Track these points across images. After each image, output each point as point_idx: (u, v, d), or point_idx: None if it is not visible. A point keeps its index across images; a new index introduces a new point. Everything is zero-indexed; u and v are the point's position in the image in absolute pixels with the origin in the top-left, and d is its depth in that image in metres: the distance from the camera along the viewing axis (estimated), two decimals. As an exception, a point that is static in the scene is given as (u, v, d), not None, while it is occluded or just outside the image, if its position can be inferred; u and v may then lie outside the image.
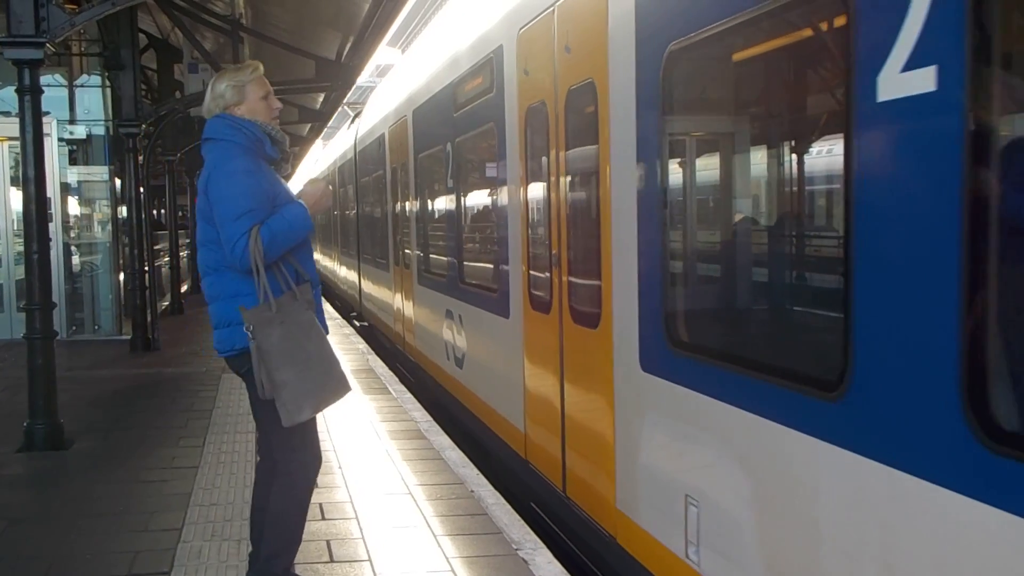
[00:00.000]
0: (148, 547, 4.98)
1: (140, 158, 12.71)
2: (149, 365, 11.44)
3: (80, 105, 14.27)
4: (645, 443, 4.26)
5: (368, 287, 14.89)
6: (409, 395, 9.30)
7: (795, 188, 3.46)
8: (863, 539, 2.74)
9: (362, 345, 12.91)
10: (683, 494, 3.85)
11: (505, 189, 6.50)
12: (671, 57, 3.84)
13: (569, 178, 5.23)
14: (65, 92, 14.14)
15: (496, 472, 6.83)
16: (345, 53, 14.04)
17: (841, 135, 2.82)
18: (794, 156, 3.44)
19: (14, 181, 13.32)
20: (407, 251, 10.76)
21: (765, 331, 3.69)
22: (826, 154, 3.14)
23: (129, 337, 12.92)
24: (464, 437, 7.81)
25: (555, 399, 5.45)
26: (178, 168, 20.19)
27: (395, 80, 12.66)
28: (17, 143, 7.71)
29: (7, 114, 12.90)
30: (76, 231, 14.60)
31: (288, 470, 4.03)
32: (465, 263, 7.93)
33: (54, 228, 11.78)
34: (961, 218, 2.34)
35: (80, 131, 14.14)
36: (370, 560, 4.78)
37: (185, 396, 9.28)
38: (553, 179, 5.46)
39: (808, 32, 3.18)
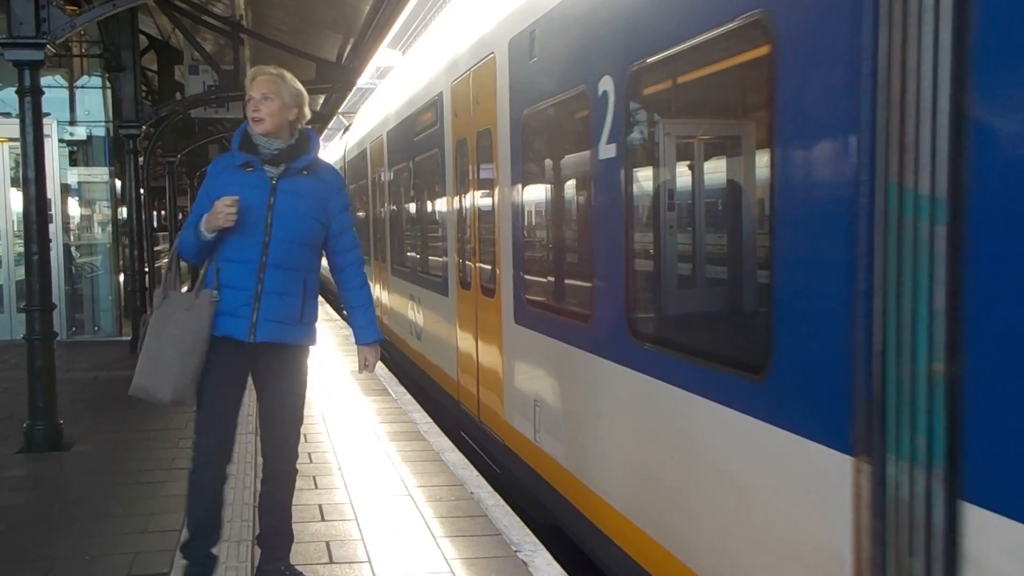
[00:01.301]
0: (148, 548, 4.99)
1: (140, 159, 12.72)
2: (149, 366, 11.41)
3: (80, 106, 14.25)
4: (517, 372, 6.40)
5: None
6: (409, 396, 9.30)
7: (576, 208, 5.54)
8: (590, 403, 5.03)
9: (362, 347, 12.87)
10: (533, 400, 6.02)
11: (445, 200, 8.66)
12: (525, 118, 6.04)
13: (479, 194, 7.35)
14: (65, 93, 14.11)
15: (442, 418, 8.66)
16: (345, 55, 14.06)
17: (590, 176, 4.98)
18: (573, 188, 5.60)
19: (14, 182, 13.32)
20: (384, 248, 13.11)
21: (558, 287, 5.86)
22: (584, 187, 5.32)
23: (129, 338, 12.90)
24: (425, 397, 9.72)
25: (472, 351, 7.63)
26: (178, 169, 20.19)
27: (377, 102, 14.77)
28: (17, 144, 7.72)
29: (7, 115, 12.89)
30: (76, 232, 14.59)
31: None
32: (422, 256, 10.19)
33: (54, 229, 11.78)
34: (624, 223, 4.50)
35: (80, 132, 14.12)
36: (370, 562, 4.78)
37: (185, 397, 9.26)
38: (471, 194, 7.60)
39: (575, 115, 5.27)
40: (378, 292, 13.68)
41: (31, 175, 7.27)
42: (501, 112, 6.45)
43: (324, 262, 4.44)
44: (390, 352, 12.40)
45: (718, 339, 3.97)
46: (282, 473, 4.38)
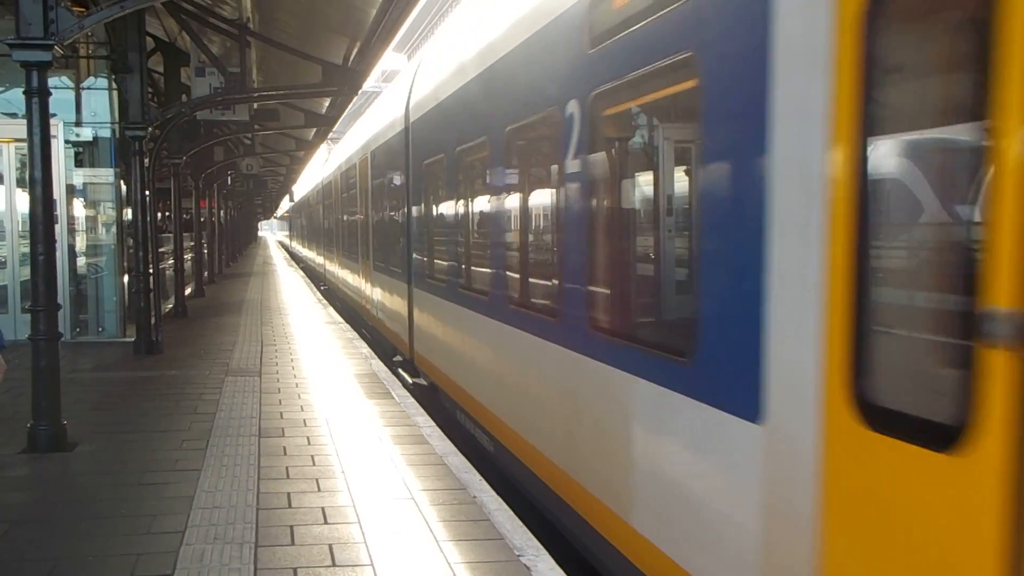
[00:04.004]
0: (151, 549, 4.99)
1: (146, 161, 12.74)
2: (153, 367, 11.47)
3: (87, 108, 14.26)
4: (376, 293, 15.03)
5: (331, 267, 26.53)
6: (412, 400, 9.31)
7: (383, 222, 14.17)
8: (389, 296, 13.72)
9: (365, 350, 12.93)
10: (378, 303, 14.75)
11: (359, 216, 17.17)
12: (374, 185, 15.10)
13: (368, 213, 15.90)
14: (72, 95, 14.13)
15: (364, 335, 16.56)
16: (352, 58, 14.08)
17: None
18: (388, 215, 13.73)
19: (21, 183, 13.35)
20: (339, 243, 22.27)
21: (378, 251, 14.76)
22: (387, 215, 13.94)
23: (133, 339, 12.94)
24: (358, 324, 17.79)
25: (369, 291, 15.91)
26: (184, 171, 20.21)
27: (338, 153, 23.86)
28: (24, 145, 7.74)
29: (14, 116, 12.93)
30: (81, 233, 14.61)
31: None
32: (354, 246, 18.19)
33: (59, 230, 11.80)
34: (401, 230, 12.36)
35: (87, 133, 14.14)
36: (372, 565, 4.78)
37: (188, 399, 9.30)
38: (367, 213, 15.98)
39: (389, 188, 13.44)
40: (337, 269, 23.49)
41: (38, 176, 7.29)
42: (369, 181, 15.17)
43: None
44: (343, 304, 21.81)
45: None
46: None
